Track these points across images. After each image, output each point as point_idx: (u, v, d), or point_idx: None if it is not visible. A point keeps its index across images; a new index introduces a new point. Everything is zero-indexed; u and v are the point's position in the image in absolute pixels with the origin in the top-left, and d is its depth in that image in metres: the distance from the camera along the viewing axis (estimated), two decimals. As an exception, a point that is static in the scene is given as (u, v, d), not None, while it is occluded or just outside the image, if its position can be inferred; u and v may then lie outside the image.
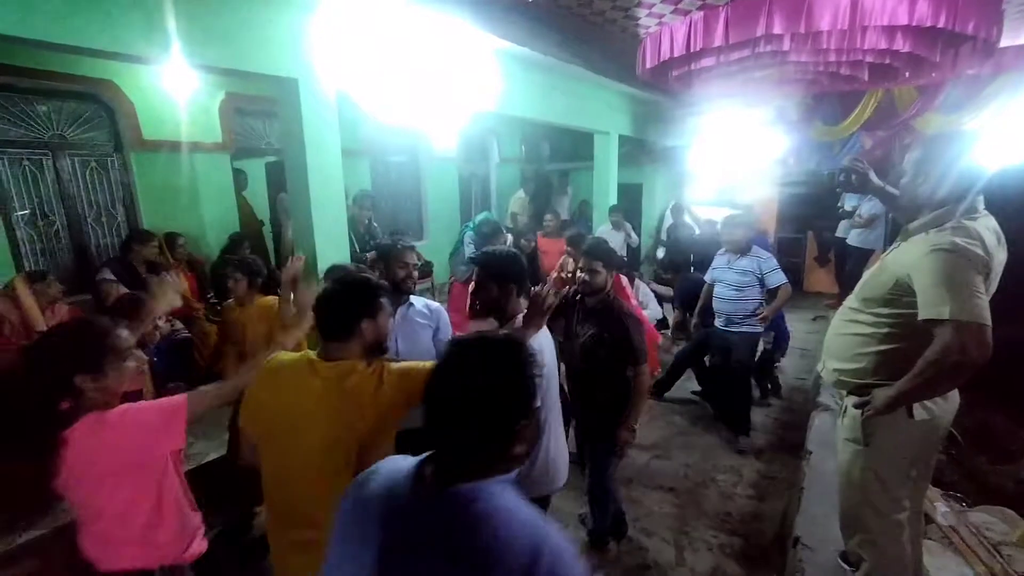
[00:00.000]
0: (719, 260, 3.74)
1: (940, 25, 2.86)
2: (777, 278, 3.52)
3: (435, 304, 2.32)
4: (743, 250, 3.57)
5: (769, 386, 4.37)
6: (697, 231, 6.49)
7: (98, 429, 1.28)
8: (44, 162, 3.84)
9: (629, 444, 2.33)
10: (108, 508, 1.34)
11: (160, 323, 2.22)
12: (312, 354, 1.40)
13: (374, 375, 1.36)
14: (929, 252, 1.47)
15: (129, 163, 4.18)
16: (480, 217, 5.36)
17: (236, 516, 2.50)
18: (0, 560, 2.25)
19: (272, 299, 2.72)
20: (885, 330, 1.63)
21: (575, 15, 4.06)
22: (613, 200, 6.56)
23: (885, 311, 1.63)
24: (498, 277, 1.75)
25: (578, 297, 2.42)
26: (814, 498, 2.45)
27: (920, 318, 1.46)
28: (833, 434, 3.02)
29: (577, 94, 5.43)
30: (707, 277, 3.83)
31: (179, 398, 1.38)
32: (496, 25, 3.72)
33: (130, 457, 1.32)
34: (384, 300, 1.46)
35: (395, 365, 1.42)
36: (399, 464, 0.95)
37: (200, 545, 1.52)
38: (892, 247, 1.74)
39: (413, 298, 2.26)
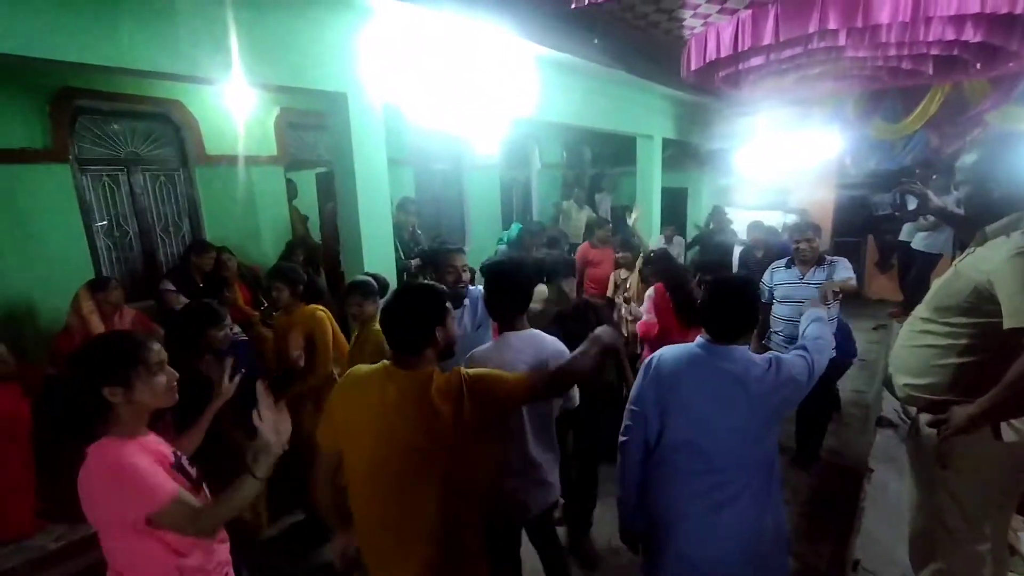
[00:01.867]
0: (783, 275, 3.24)
1: (1018, 11, 2.65)
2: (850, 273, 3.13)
3: (478, 292, 2.44)
4: (816, 260, 3.13)
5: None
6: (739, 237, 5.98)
7: (103, 456, 1.21)
8: (120, 177, 4.16)
9: None
10: (100, 534, 1.26)
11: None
12: (388, 363, 1.40)
13: (455, 382, 1.35)
14: (1014, 255, 1.37)
15: (194, 177, 4.47)
16: (514, 229, 5.38)
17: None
18: (80, 544, 2.44)
19: (313, 307, 2.80)
20: (963, 341, 1.51)
21: (617, 20, 4.03)
22: (657, 205, 6.44)
23: (962, 320, 1.51)
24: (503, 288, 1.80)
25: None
26: (876, 519, 2.30)
27: (1005, 327, 1.34)
28: (897, 451, 2.83)
29: (619, 98, 5.38)
30: (766, 296, 3.32)
31: (164, 488, 1.21)
32: (538, 33, 3.75)
33: (114, 502, 1.20)
34: (449, 304, 1.47)
35: (474, 373, 1.41)
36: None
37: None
38: (967, 252, 1.62)
39: (467, 300, 2.43)
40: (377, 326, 2.16)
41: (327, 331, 2.73)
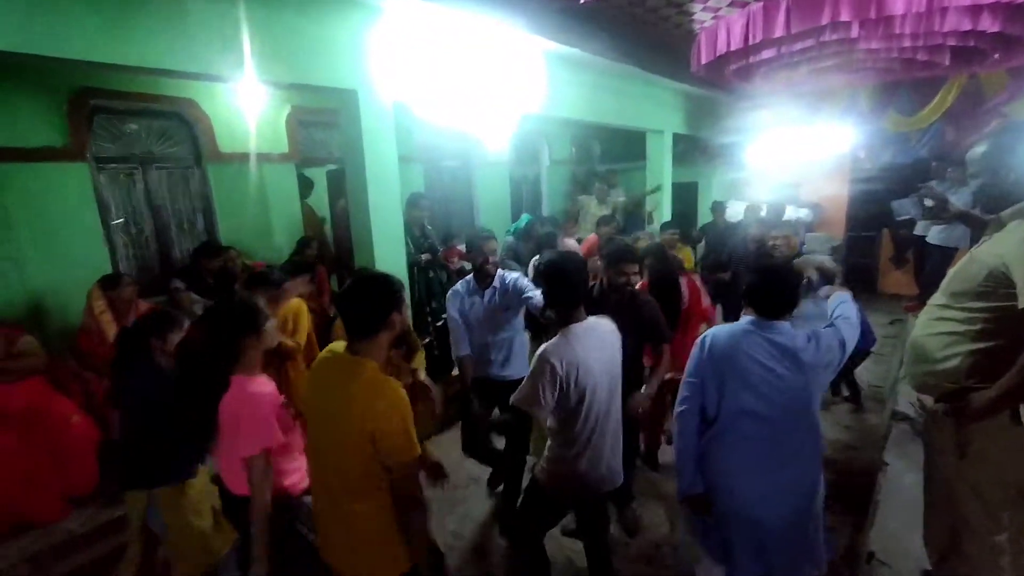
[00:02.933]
0: None
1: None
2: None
3: (512, 275, 2.68)
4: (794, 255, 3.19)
5: (846, 391, 4.14)
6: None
7: (236, 390, 1.68)
8: (135, 175, 4.23)
9: (643, 408, 2.44)
10: (232, 446, 1.68)
11: None
12: (340, 348, 1.50)
13: (373, 399, 1.36)
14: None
15: (207, 174, 4.52)
16: (522, 220, 5.41)
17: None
18: (105, 529, 2.50)
19: (295, 302, 2.84)
20: (979, 326, 1.50)
21: (626, 14, 4.01)
22: (667, 199, 6.41)
23: (978, 305, 1.50)
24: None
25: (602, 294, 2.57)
26: (891, 512, 2.29)
27: (1021, 306, 1.34)
28: (912, 445, 2.81)
29: (628, 93, 5.35)
30: None
31: (275, 435, 1.68)
32: (547, 28, 3.75)
33: (244, 424, 1.66)
34: (403, 293, 1.55)
35: (385, 420, 1.36)
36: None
37: (295, 481, 1.82)
38: (982, 239, 1.63)
39: (496, 282, 2.65)
40: None
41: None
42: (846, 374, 4.04)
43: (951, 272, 1.67)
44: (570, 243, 4.79)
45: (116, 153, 4.09)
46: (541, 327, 2.64)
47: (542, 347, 1.77)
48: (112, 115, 4.03)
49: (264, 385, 1.75)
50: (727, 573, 1.83)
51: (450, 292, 2.74)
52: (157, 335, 2.09)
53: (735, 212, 6.50)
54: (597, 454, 1.85)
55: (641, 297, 2.56)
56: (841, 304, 1.91)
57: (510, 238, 5.46)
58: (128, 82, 3.90)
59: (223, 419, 1.72)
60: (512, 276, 2.69)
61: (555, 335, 1.80)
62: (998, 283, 1.44)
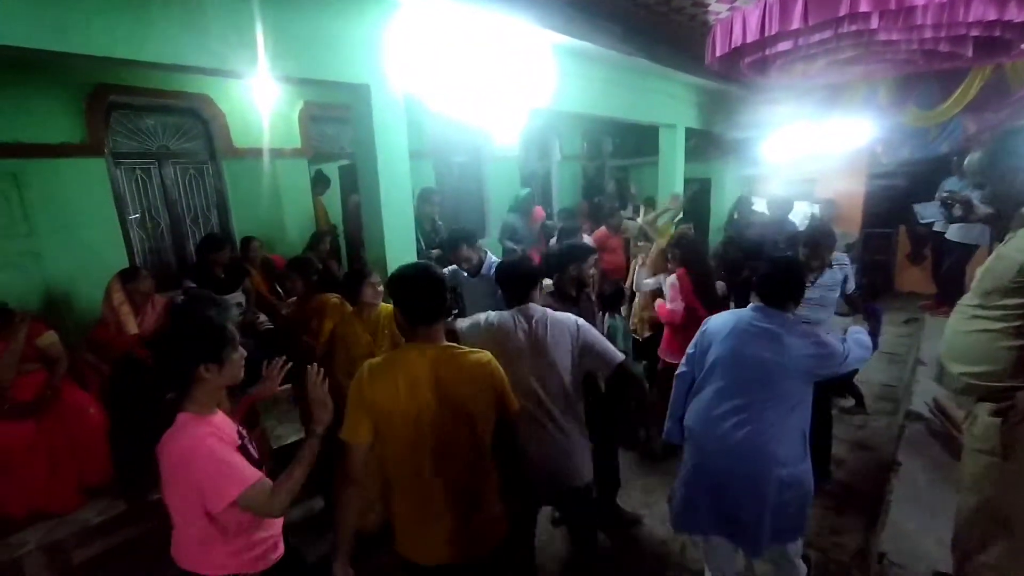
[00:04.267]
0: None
1: (1064, -11, 2.53)
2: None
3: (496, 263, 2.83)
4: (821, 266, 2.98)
5: (851, 398, 4.04)
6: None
7: (178, 432, 1.35)
8: (152, 170, 4.29)
9: None
10: (173, 507, 1.40)
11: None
12: (410, 345, 1.50)
13: (486, 364, 1.51)
14: None
15: (221, 170, 4.58)
16: (521, 193, 5.50)
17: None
18: (122, 518, 2.56)
19: (331, 296, 2.88)
20: (1017, 323, 1.49)
21: (639, 6, 3.97)
22: (680, 195, 6.34)
23: (1012, 302, 1.49)
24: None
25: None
26: (903, 512, 2.26)
27: None
28: (926, 445, 2.77)
29: (640, 87, 5.30)
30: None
31: (244, 477, 1.35)
32: (557, 21, 3.72)
33: (196, 483, 1.33)
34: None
35: (501, 371, 1.56)
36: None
37: (275, 554, 1.54)
38: (1008, 236, 1.59)
39: (483, 270, 2.92)
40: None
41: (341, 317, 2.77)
42: (847, 383, 3.93)
43: (980, 271, 1.65)
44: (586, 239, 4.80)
45: (133, 149, 4.16)
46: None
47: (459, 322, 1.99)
48: (129, 111, 4.09)
49: (221, 427, 1.44)
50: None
51: (450, 268, 3.10)
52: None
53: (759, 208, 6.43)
54: (545, 450, 1.86)
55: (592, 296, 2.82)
56: (858, 333, 2.08)
57: (509, 215, 5.49)
58: (145, 78, 3.96)
59: (165, 470, 1.36)
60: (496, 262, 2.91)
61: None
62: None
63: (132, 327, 2.93)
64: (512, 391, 1.58)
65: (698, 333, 2.13)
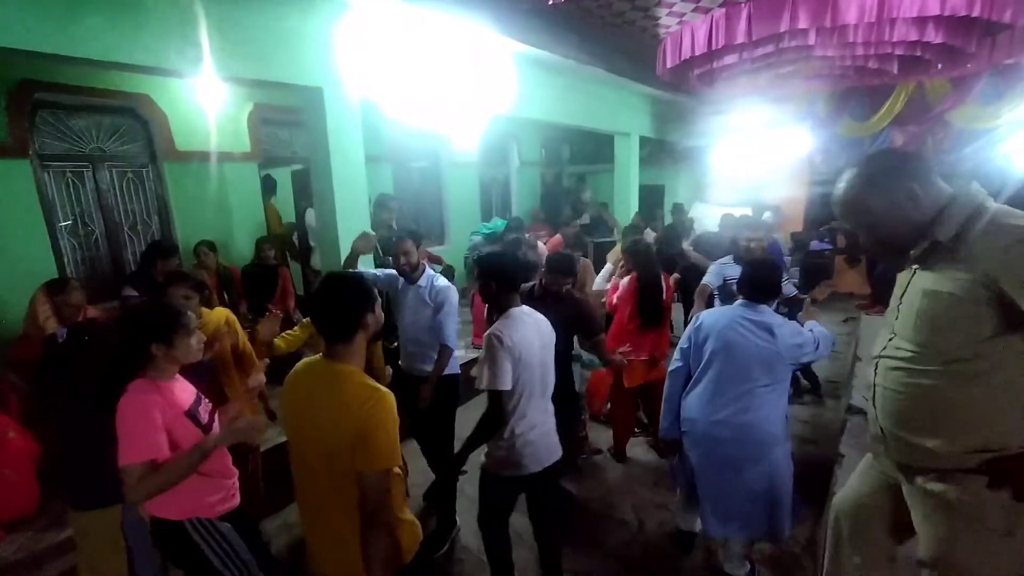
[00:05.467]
0: (733, 271, 3.34)
1: (975, 14, 2.77)
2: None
3: (441, 283, 2.70)
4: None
5: (808, 383, 4.37)
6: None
7: (129, 390, 1.50)
8: (85, 174, 4.01)
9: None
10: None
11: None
12: (318, 357, 1.44)
13: (368, 402, 1.30)
14: (1014, 245, 1.13)
15: (163, 174, 4.34)
16: (492, 224, 5.43)
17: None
18: (44, 555, 2.35)
19: (219, 312, 2.57)
20: (985, 376, 1.20)
21: (594, 17, 4.06)
22: (634, 202, 6.52)
23: (969, 353, 1.21)
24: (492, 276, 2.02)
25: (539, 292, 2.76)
26: (848, 503, 2.37)
27: None
28: (866, 438, 2.92)
29: (597, 96, 5.42)
30: (712, 280, 3.44)
31: (141, 452, 1.43)
32: (515, 29, 3.75)
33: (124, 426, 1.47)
34: (375, 291, 1.48)
35: (377, 419, 1.30)
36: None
37: (229, 502, 1.68)
38: (909, 272, 1.37)
39: (421, 281, 2.71)
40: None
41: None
42: (806, 368, 4.26)
43: (907, 311, 1.34)
44: (540, 247, 4.82)
45: (63, 151, 3.88)
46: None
47: (490, 330, 1.91)
48: (58, 110, 3.82)
49: (172, 391, 1.57)
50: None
51: (389, 271, 2.89)
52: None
53: (700, 215, 6.68)
54: (532, 430, 1.96)
55: (575, 295, 2.82)
56: (816, 326, 2.30)
57: (478, 237, 5.46)
58: (76, 75, 3.70)
59: (118, 429, 1.49)
60: (440, 284, 2.70)
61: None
62: (986, 313, 1.17)
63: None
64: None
65: (690, 329, 2.29)
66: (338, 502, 1.34)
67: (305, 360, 1.48)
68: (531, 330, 1.97)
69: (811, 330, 2.23)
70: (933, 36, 3.09)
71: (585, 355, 3.15)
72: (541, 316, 2.08)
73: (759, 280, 2.22)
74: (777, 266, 2.37)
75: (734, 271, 3.44)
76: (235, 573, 1.64)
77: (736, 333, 2.13)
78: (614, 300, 3.38)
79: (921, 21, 3.01)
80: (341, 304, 1.38)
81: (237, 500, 1.72)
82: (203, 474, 1.56)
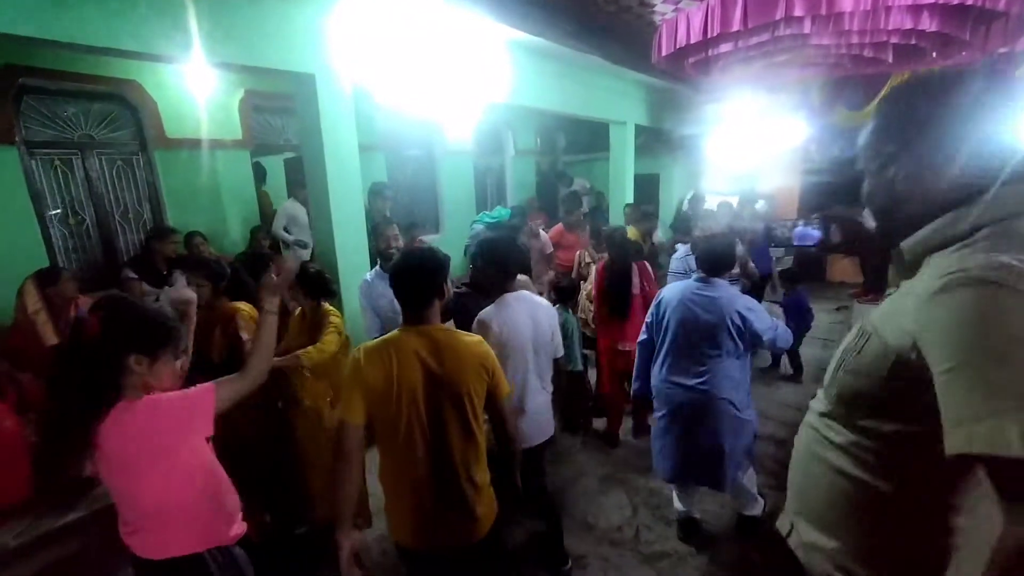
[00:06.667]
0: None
1: (969, 2, 2.76)
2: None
3: None
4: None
5: (790, 369, 4.47)
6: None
7: (128, 417, 1.29)
8: (74, 162, 3.96)
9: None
10: (145, 495, 1.33)
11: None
12: (406, 328, 1.54)
13: (479, 345, 1.56)
14: (941, 291, 0.74)
15: (153, 161, 4.29)
16: (496, 212, 5.41)
17: (289, 508, 2.58)
18: (42, 541, 2.36)
19: (241, 305, 2.42)
20: (891, 465, 0.85)
21: (589, 3, 4.02)
22: (630, 191, 6.51)
23: (884, 428, 0.85)
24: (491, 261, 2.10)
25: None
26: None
27: (948, 452, 0.68)
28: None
29: (592, 84, 5.39)
30: (676, 267, 3.78)
31: (207, 387, 1.38)
32: (510, 15, 3.71)
33: (159, 443, 1.31)
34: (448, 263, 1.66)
35: (495, 360, 1.60)
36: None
37: (240, 527, 1.52)
38: (889, 293, 0.98)
39: None
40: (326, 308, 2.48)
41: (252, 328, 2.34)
42: (790, 353, 4.39)
43: (837, 353, 1.00)
44: (543, 235, 4.82)
45: (51, 138, 3.83)
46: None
47: (480, 314, 2.02)
48: (45, 96, 3.76)
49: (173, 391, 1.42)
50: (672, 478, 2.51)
51: (361, 282, 2.89)
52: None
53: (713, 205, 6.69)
54: (525, 410, 2.06)
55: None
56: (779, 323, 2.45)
57: (479, 226, 5.45)
58: (63, 60, 3.64)
59: (122, 454, 1.30)
60: None
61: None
62: (914, 379, 0.77)
63: (51, 337, 2.68)
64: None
65: (653, 304, 2.50)
66: (471, 446, 1.53)
67: (384, 339, 1.54)
68: (521, 314, 2.04)
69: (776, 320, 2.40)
70: (928, 24, 3.08)
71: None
72: (539, 300, 2.17)
73: (712, 254, 2.36)
74: (730, 241, 2.50)
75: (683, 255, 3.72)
76: None
77: (684, 307, 2.32)
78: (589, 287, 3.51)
79: (916, 9, 3.00)
80: (425, 273, 1.54)
81: (244, 528, 1.56)
82: (218, 504, 1.45)
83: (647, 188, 7.92)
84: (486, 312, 2.04)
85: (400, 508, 1.55)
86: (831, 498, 0.93)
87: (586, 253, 4.22)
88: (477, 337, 1.59)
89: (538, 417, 2.12)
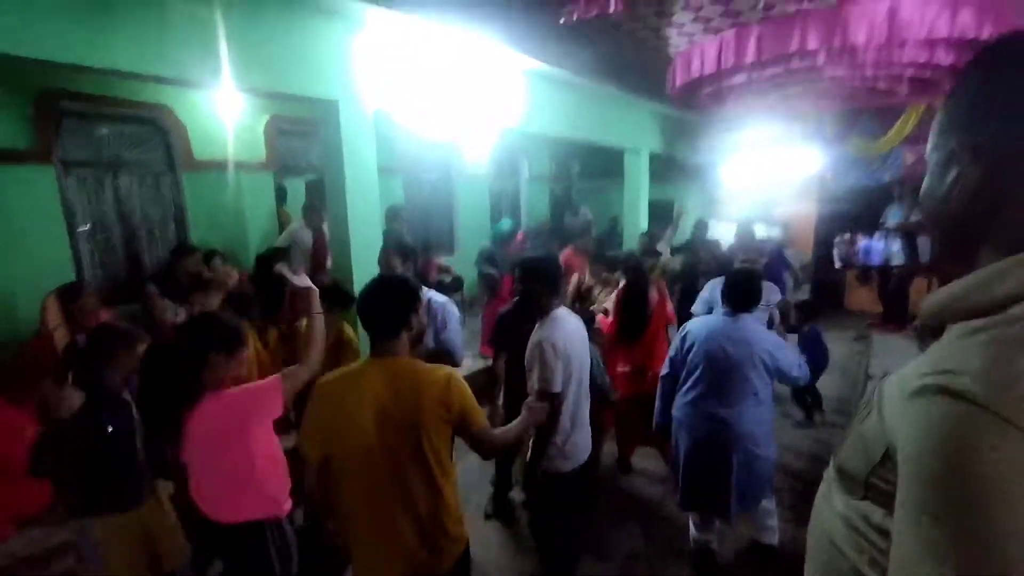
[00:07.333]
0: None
1: (984, 37, 2.78)
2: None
3: (439, 299, 2.71)
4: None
5: (810, 400, 4.24)
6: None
7: (211, 407, 1.63)
8: (105, 180, 4.12)
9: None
10: (223, 470, 1.66)
11: None
12: (367, 359, 1.51)
13: (443, 377, 1.48)
14: (917, 394, 0.54)
15: (180, 182, 4.44)
16: (504, 224, 5.51)
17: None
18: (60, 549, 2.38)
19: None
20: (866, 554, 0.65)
21: (605, 35, 4.13)
22: (644, 217, 6.54)
23: (878, 521, 0.61)
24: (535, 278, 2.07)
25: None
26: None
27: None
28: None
29: (607, 112, 5.48)
30: (698, 309, 3.45)
31: (275, 379, 1.70)
32: (528, 46, 3.82)
33: (236, 428, 1.64)
34: (420, 294, 1.63)
35: (462, 387, 1.52)
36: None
37: (289, 503, 1.80)
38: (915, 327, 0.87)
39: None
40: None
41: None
42: (808, 388, 4.17)
43: (850, 439, 0.71)
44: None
45: (85, 157, 3.99)
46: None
47: (538, 335, 1.97)
48: (82, 118, 3.93)
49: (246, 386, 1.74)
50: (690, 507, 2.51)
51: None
52: (108, 359, 1.84)
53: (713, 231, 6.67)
54: (579, 424, 2.06)
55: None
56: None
57: (487, 242, 5.53)
58: (100, 85, 3.82)
59: (199, 437, 1.65)
60: (439, 301, 2.70)
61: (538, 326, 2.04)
62: (888, 481, 0.58)
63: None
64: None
65: (677, 338, 2.50)
66: (432, 482, 1.47)
67: (342, 369, 1.55)
68: (573, 330, 2.04)
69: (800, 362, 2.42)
70: (943, 58, 3.10)
71: None
72: (576, 316, 2.17)
73: (737, 289, 2.35)
74: (756, 275, 2.50)
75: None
76: (286, 570, 1.79)
77: (712, 343, 2.31)
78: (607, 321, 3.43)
79: (931, 43, 3.03)
80: (390, 302, 1.50)
81: (290, 505, 1.83)
82: (278, 481, 1.76)
83: (661, 214, 7.93)
84: (546, 333, 1.95)
85: (358, 543, 1.52)
86: (828, 572, 0.71)
87: (587, 276, 4.20)
88: (445, 372, 1.49)
89: (584, 436, 2.11)
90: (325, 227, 4.25)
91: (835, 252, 6.43)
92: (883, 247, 5.80)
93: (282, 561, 1.76)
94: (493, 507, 2.97)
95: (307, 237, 4.58)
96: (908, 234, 5.60)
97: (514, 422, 1.74)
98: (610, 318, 3.41)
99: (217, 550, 1.84)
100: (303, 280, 1.99)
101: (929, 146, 0.70)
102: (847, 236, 6.44)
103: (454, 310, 2.73)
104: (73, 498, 1.90)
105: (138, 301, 3.82)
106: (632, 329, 3.27)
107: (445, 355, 2.54)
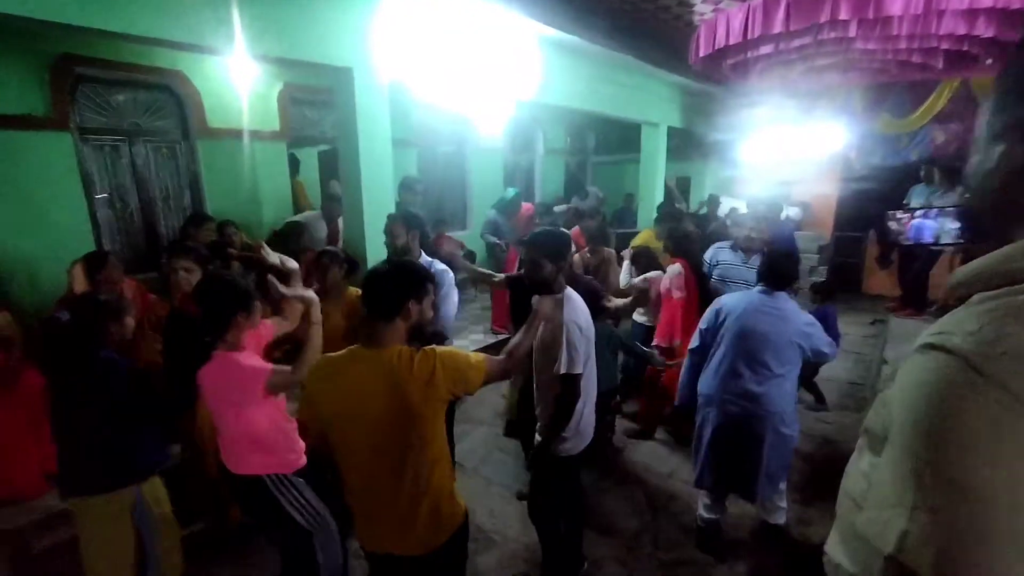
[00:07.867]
0: (727, 256, 3.45)
1: (1030, 7, 2.64)
2: None
3: (439, 267, 2.70)
4: (760, 248, 3.34)
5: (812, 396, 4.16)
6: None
7: (218, 365, 1.74)
8: (121, 148, 4.13)
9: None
10: (233, 424, 1.77)
11: None
12: (354, 347, 1.49)
13: (426, 359, 1.42)
14: (915, 351, 0.60)
15: (195, 149, 4.44)
16: (509, 193, 5.46)
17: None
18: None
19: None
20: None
21: (626, 2, 3.98)
22: (660, 193, 6.43)
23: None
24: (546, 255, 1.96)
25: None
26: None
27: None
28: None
29: (625, 84, 5.33)
30: (715, 274, 3.48)
31: (264, 370, 1.76)
32: (546, 13, 3.71)
33: (236, 391, 1.74)
34: (431, 286, 1.54)
35: (444, 351, 1.47)
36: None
37: (302, 459, 1.91)
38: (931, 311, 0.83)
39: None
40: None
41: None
42: (808, 382, 4.07)
43: (876, 406, 0.74)
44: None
45: (102, 124, 4.00)
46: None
47: (565, 318, 1.88)
48: (98, 84, 3.92)
49: (249, 357, 1.80)
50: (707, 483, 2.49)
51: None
52: (101, 326, 1.83)
53: (726, 208, 6.55)
54: (589, 404, 2.05)
55: (578, 276, 2.91)
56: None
57: (492, 212, 5.49)
58: (115, 50, 3.80)
59: (212, 395, 1.76)
60: (439, 267, 2.68)
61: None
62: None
63: None
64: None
65: (710, 312, 2.48)
66: (426, 459, 1.45)
67: (332, 357, 1.51)
68: (584, 309, 2.00)
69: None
70: (984, 30, 2.95)
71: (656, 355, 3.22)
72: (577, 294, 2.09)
73: (777, 268, 2.40)
74: (793, 255, 2.56)
75: (727, 256, 3.55)
76: (311, 521, 1.87)
77: (753, 318, 2.32)
78: (675, 293, 3.28)
79: (971, 14, 2.87)
80: (391, 286, 1.46)
81: (305, 460, 1.92)
82: (284, 433, 1.87)
83: (679, 191, 7.81)
84: (570, 314, 1.89)
85: (358, 514, 1.57)
86: (845, 526, 0.75)
87: (587, 254, 4.12)
88: (428, 366, 1.42)
89: (592, 411, 2.09)
90: (340, 221, 4.21)
91: (891, 226, 6.15)
92: (936, 225, 5.59)
93: (304, 513, 1.85)
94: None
95: (322, 229, 4.55)
96: (965, 212, 5.44)
97: (522, 328, 1.71)
98: (679, 294, 3.27)
99: (235, 498, 1.95)
100: (296, 291, 1.99)
101: (981, 122, 0.69)
102: (905, 213, 6.26)
103: (450, 279, 2.72)
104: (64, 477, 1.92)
105: (156, 270, 3.89)
106: (705, 301, 3.12)
107: (436, 336, 2.48)
